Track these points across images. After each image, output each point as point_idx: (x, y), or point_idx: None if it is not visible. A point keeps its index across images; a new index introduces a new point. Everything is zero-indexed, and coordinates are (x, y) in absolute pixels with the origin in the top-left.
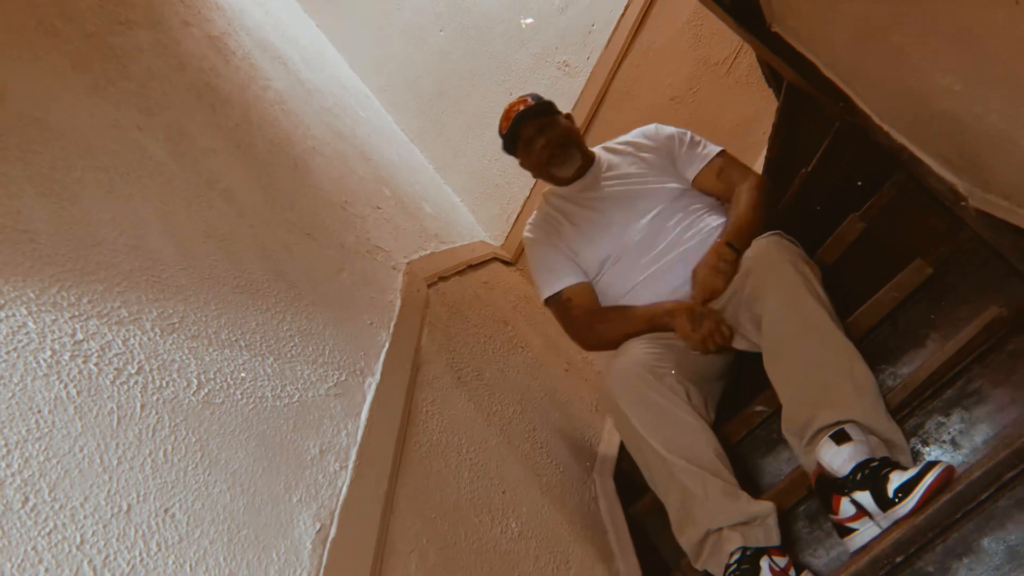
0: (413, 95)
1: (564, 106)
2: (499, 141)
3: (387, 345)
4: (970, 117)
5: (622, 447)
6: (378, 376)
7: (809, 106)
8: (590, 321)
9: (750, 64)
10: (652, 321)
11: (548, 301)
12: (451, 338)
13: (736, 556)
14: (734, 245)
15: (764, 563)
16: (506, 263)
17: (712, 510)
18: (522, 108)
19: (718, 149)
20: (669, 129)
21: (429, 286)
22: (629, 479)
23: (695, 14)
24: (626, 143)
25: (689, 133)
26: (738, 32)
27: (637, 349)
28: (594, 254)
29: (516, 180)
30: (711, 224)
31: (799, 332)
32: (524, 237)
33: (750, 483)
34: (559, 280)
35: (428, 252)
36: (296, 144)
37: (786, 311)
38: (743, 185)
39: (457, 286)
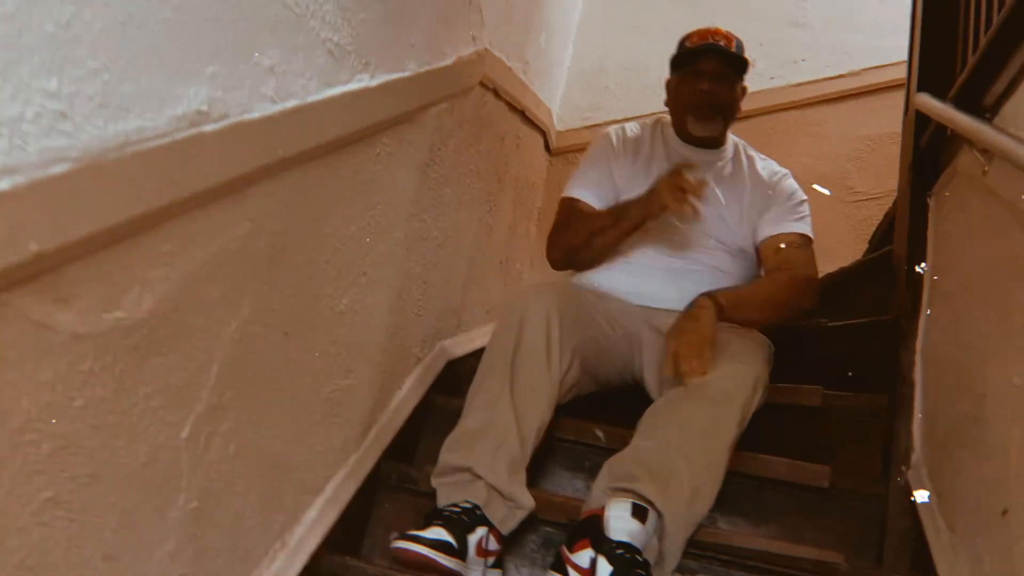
0: None
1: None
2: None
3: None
4: None
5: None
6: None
7: (885, 280)
8: (569, 222)
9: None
10: (623, 211)
11: (564, 199)
12: (455, 132)
13: (467, 506)
14: (720, 303)
15: (480, 532)
16: (546, 147)
17: (490, 464)
18: (721, 44)
19: (805, 230)
20: (792, 184)
21: (481, 84)
22: (455, 376)
23: None
24: (757, 166)
25: (802, 199)
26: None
27: (567, 299)
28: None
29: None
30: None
31: (692, 417)
32: (605, 131)
33: (536, 473)
34: (590, 192)
35: (508, 65)
36: None
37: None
38: (788, 273)
39: (495, 112)
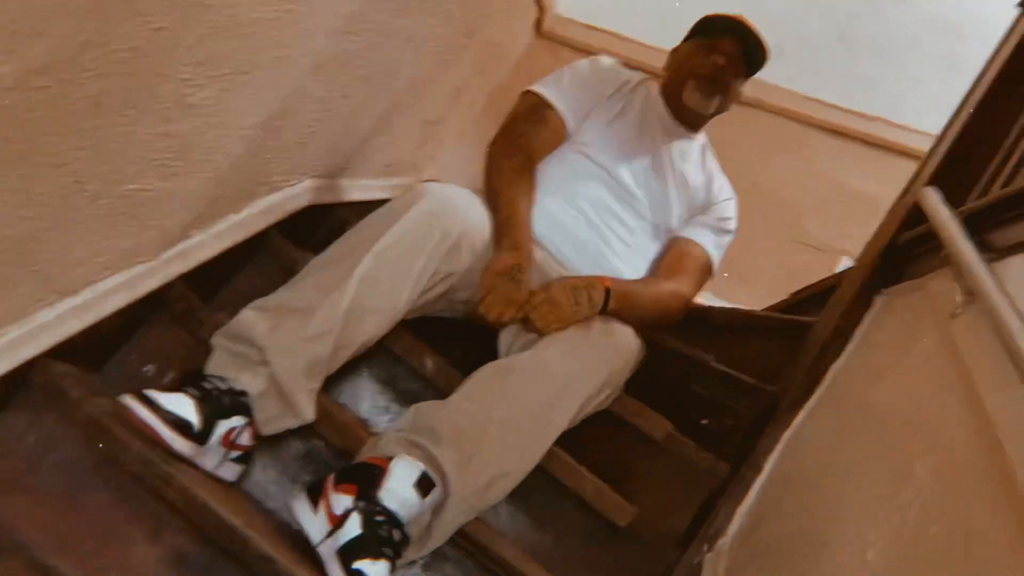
0: None
1: None
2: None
3: None
4: None
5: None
6: None
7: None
8: (507, 152)
9: None
10: (498, 227)
11: (532, 94)
12: None
13: (235, 387)
14: (611, 294)
15: (235, 422)
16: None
17: (287, 355)
18: (743, 29)
19: (716, 258)
20: (732, 210)
21: None
22: (314, 224)
23: None
24: (715, 174)
25: (731, 230)
26: None
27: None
28: (594, 148)
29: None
30: (631, 262)
31: (525, 394)
32: (604, 59)
33: (337, 373)
34: (564, 104)
35: None
36: None
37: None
38: (677, 286)
39: None
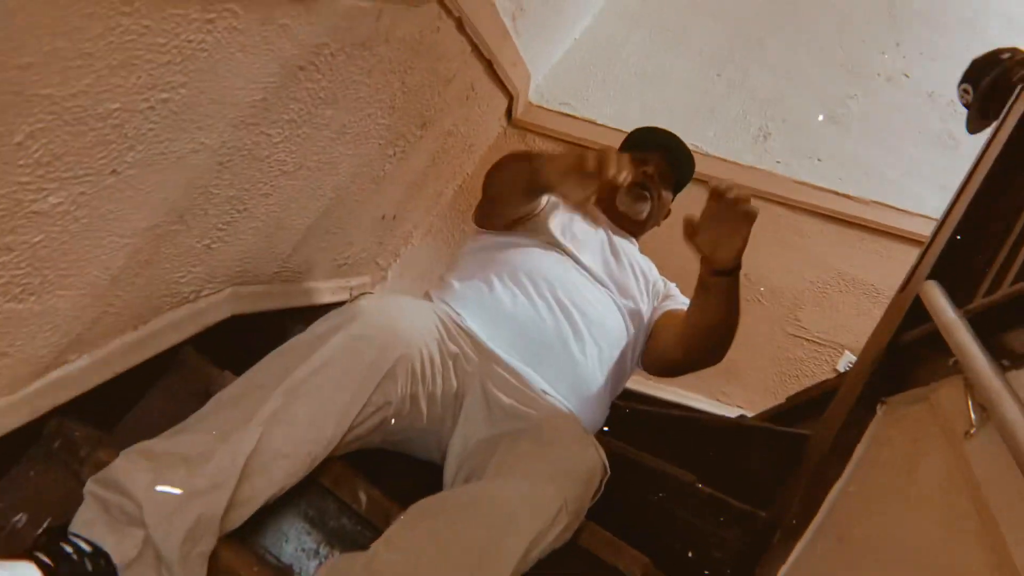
0: None
1: None
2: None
3: None
4: None
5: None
6: None
7: (783, 464)
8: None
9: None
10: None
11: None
12: (366, 46)
13: (100, 552)
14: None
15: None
16: (508, 114)
17: (169, 516)
18: (672, 142)
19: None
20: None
21: (440, 3)
22: (241, 336)
23: None
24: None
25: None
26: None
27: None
28: (553, 233)
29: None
30: (604, 356)
31: (462, 536)
32: None
33: (265, 525)
34: None
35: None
36: None
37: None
38: None
39: (449, 47)
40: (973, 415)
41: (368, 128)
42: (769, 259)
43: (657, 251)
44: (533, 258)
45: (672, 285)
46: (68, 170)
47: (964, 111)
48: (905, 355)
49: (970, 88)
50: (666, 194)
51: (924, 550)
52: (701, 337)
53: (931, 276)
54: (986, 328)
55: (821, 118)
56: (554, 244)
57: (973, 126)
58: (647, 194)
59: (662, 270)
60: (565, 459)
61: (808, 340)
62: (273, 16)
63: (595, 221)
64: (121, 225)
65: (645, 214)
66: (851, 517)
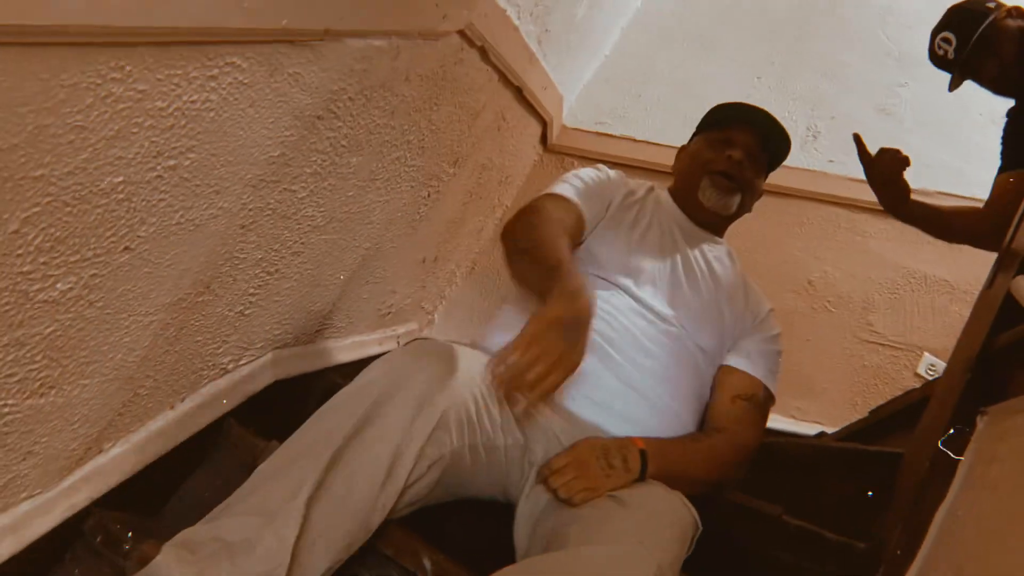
0: None
1: None
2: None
3: None
4: None
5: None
6: None
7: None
8: (539, 211)
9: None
10: (552, 269)
11: (545, 195)
12: (386, 87)
13: None
14: (645, 457)
15: None
16: (543, 140)
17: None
18: (759, 116)
19: (771, 384)
20: (776, 326)
21: (460, 33)
22: (293, 397)
23: None
24: (750, 283)
25: (779, 349)
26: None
27: (458, 383)
28: (607, 266)
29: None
30: (674, 408)
31: None
32: (609, 170)
33: None
34: (576, 195)
35: (516, 23)
36: None
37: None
38: (730, 435)
39: (475, 77)
40: None
41: (398, 172)
42: (832, 263)
43: None
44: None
45: (763, 314)
46: (75, 253)
47: None
48: (1002, 359)
49: (953, 37)
50: (757, 178)
51: None
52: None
53: (1021, 271)
54: None
55: (860, 105)
56: (607, 279)
57: (954, 81)
58: (735, 184)
59: None
60: (655, 517)
61: (883, 345)
62: (281, 66)
63: (664, 231)
64: (142, 303)
65: (734, 208)
66: (966, 547)
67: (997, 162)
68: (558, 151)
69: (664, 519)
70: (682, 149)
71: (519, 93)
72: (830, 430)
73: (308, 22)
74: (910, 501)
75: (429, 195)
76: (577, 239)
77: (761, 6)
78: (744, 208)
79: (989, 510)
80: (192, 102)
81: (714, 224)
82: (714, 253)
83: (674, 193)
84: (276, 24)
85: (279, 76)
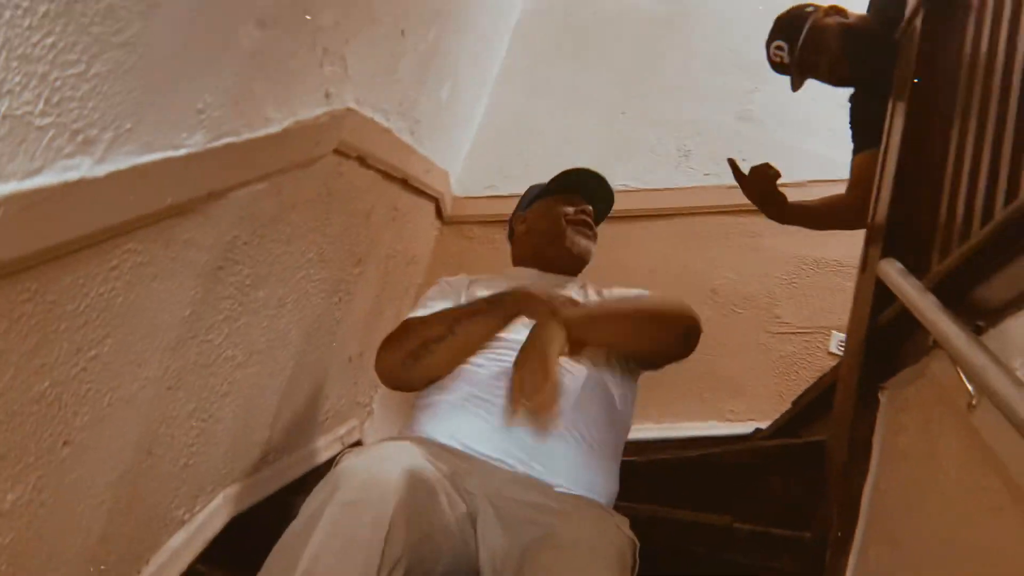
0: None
1: None
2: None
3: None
4: None
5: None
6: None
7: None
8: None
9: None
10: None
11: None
12: (277, 221)
13: None
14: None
15: None
16: (438, 214)
17: None
18: (586, 176)
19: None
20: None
21: (336, 152)
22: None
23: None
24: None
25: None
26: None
27: (411, 473)
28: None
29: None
30: (598, 437)
31: None
32: (438, 281)
33: None
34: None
35: (386, 126)
36: None
37: None
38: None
39: (359, 183)
40: (969, 386)
41: (305, 289)
42: (731, 268)
43: None
44: (488, 365)
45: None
46: (18, 462)
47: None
48: (887, 336)
49: (784, 44)
50: (602, 215)
51: (971, 537)
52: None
53: (885, 253)
54: (953, 291)
55: (721, 116)
56: (501, 345)
57: (796, 82)
58: (592, 232)
59: None
60: (589, 554)
61: (794, 333)
62: (175, 236)
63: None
64: (91, 487)
65: (593, 251)
66: (895, 517)
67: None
68: (455, 221)
69: (600, 552)
70: (519, 218)
71: (405, 183)
72: (764, 424)
73: (191, 192)
74: (840, 484)
75: (340, 299)
76: None
77: (611, 47)
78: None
79: (906, 478)
80: (100, 295)
81: (572, 268)
82: (574, 290)
83: (524, 257)
84: (162, 204)
85: (174, 246)
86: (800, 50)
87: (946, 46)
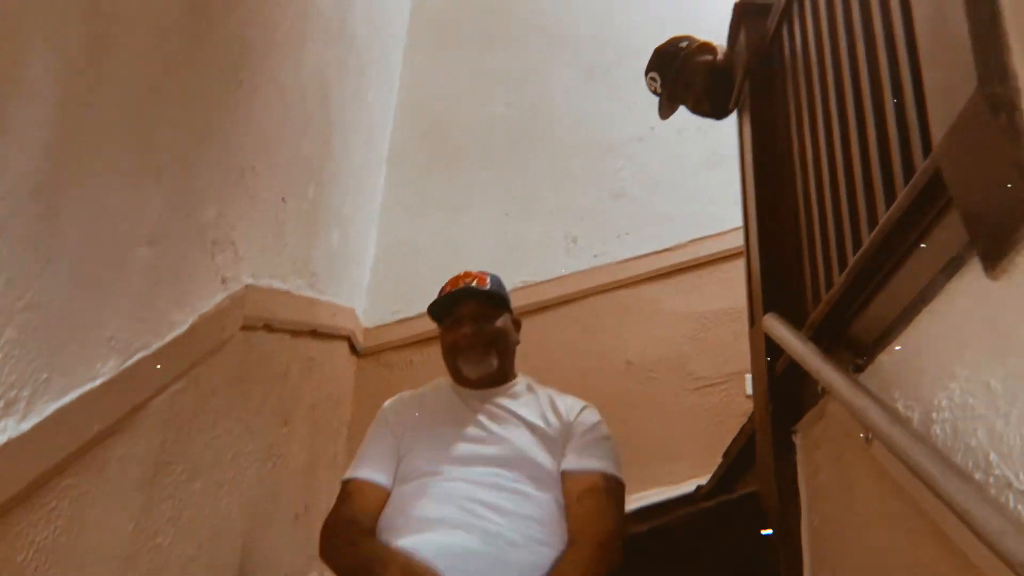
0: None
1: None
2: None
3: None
4: None
5: None
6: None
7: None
8: (339, 532)
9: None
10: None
11: (343, 484)
12: (199, 411)
13: None
14: None
15: None
16: (354, 350)
17: None
18: (473, 285)
19: (608, 468)
20: (594, 417)
21: (243, 328)
22: None
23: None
24: (556, 400)
25: (605, 435)
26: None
27: None
28: (419, 461)
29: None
30: (537, 537)
31: None
32: (382, 406)
33: None
34: (374, 470)
35: (285, 288)
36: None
37: None
38: (588, 544)
39: (271, 349)
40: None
41: (239, 464)
42: (639, 339)
43: None
44: (418, 495)
45: (576, 413)
46: None
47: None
48: (786, 384)
49: (657, 76)
50: (499, 322)
51: (895, 559)
52: None
53: (767, 308)
54: (831, 334)
55: (598, 198)
56: (432, 473)
57: (665, 112)
58: (481, 350)
59: None
60: None
61: (710, 385)
62: (108, 457)
63: (452, 412)
64: None
65: (496, 363)
66: (832, 551)
67: (727, 194)
68: (370, 352)
69: None
70: (440, 339)
71: (314, 333)
72: (704, 480)
73: (116, 413)
74: (779, 530)
75: (275, 464)
76: (378, 506)
77: (483, 154)
78: (509, 348)
79: (831, 512)
80: (44, 538)
81: (491, 381)
82: (506, 398)
83: (451, 375)
84: (90, 434)
85: (109, 467)
86: (670, 84)
87: (775, 119)
